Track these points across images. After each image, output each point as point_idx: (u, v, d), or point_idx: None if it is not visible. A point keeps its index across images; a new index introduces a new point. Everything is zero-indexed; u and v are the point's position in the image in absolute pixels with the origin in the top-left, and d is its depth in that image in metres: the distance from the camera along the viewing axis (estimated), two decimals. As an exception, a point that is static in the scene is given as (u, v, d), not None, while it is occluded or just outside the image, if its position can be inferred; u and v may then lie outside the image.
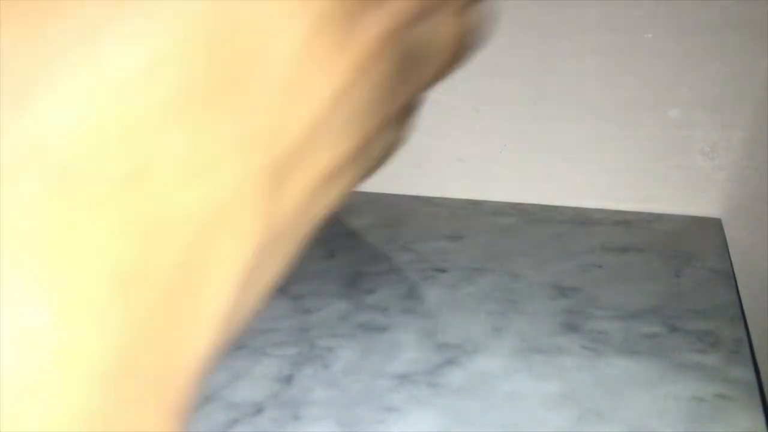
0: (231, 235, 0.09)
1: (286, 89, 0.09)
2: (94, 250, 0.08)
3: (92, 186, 0.08)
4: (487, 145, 0.67)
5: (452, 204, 0.68)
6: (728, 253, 0.51)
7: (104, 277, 0.08)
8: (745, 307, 0.46)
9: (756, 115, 0.56)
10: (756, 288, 0.60)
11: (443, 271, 0.48)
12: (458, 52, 0.15)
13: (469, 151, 0.68)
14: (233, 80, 0.09)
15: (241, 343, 0.38)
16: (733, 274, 0.47)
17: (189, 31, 0.08)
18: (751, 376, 0.33)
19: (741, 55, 0.55)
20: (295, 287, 0.46)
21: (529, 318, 0.40)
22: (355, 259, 0.51)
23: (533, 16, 0.61)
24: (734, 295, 0.43)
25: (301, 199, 0.11)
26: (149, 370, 0.09)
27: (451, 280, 0.46)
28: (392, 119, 0.13)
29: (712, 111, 0.57)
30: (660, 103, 0.59)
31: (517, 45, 0.62)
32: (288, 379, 0.34)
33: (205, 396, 0.32)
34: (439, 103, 0.67)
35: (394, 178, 0.72)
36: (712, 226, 0.57)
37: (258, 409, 0.31)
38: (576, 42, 0.60)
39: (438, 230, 0.58)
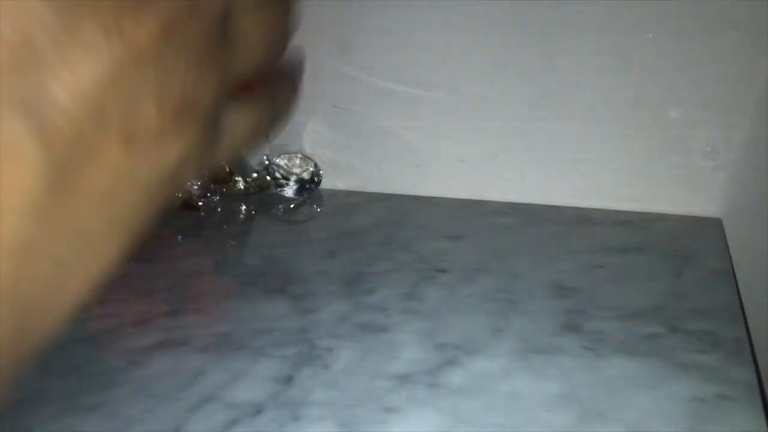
0: (12, 171, 0.11)
1: (46, 67, 0.11)
2: None
3: None
4: (487, 145, 0.67)
5: (452, 204, 0.68)
6: (729, 252, 0.51)
7: None
8: (745, 307, 0.46)
9: (756, 115, 0.56)
10: (756, 288, 0.60)
11: (443, 271, 0.48)
12: (269, 44, 0.17)
13: (469, 151, 0.68)
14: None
15: (241, 344, 0.38)
16: (734, 273, 0.47)
17: None
18: (751, 376, 0.33)
19: (741, 55, 0.55)
20: (295, 287, 0.46)
21: (529, 318, 0.40)
22: (355, 259, 0.51)
23: (534, 16, 0.61)
24: (734, 295, 0.43)
25: (109, 159, 0.12)
26: None
27: (451, 280, 0.46)
28: (224, 90, 0.15)
29: (713, 111, 0.57)
30: (660, 103, 0.59)
31: (517, 45, 0.62)
32: (288, 380, 0.34)
33: (205, 396, 0.32)
34: (439, 103, 0.67)
35: (394, 178, 0.72)
36: (713, 226, 0.57)
37: (258, 410, 0.31)
38: (576, 42, 0.60)
39: (438, 230, 0.58)
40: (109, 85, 0.12)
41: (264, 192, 0.74)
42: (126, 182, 0.13)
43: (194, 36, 0.13)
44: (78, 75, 0.11)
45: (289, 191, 0.72)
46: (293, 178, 0.71)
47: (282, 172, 0.71)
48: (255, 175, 0.73)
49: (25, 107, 0.11)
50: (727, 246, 0.53)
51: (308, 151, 0.75)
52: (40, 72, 0.11)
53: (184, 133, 0.14)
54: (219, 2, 0.14)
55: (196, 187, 0.68)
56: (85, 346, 0.39)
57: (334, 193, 0.74)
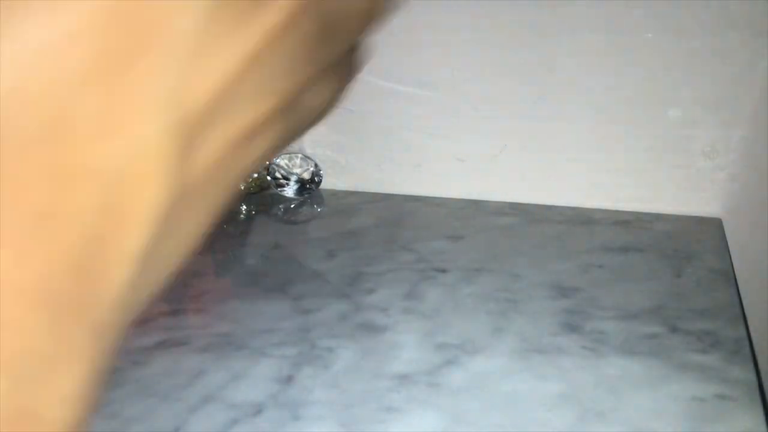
0: (142, 185, 0.11)
1: (191, 57, 0.11)
2: (18, 191, 0.09)
3: (16, 135, 0.09)
4: (487, 145, 0.67)
5: (452, 204, 0.68)
6: (728, 252, 0.51)
7: (27, 215, 0.10)
8: (745, 307, 0.46)
9: (756, 114, 0.56)
10: (756, 288, 0.60)
11: (443, 271, 0.48)
12: (374, 10, 0.16)
13: (469, 151, 0.68)
14: (141, 48, 0.10)
15: (241, 344, 0.38)
16: (734, 273, 0.47)
17: (102, 5, 0.10)
18: (751, 376, 0.33)
19: (741, 55, 0.55)
20: (295, 287, 0.46)
21: (529, 318, 0.40)
22: (355, 259, 0.51)
23: (534, 16, 0.61)
24: (734, 294, 0.43)
25: (219, 154, 0.12)
26: (72, 296, 0.10)
27: (451, 280, 0.46)
28: (320, 74, 0.15)
29: (713, 111, 0.57)
30: (660, 103, 0.59)
31: (517, 45, 0.62)
32: (288, 380, 0.34)
33: (205, 396, 0.32)
34: (439, 103, 0.67)
35: (394, 178, 0.72)
36: (713, 226, 0.57)
37: (258, 410, 0.31)
38: (576, 42, 0.60)
39: (438, 230, 0.58)
40: (237, 81, 0.12)
41: (264, 192, 0.74)
42: (229, 178, 0.13)
43: (305, 30, 0.13)
44: (215, 68, 0.11)
45: (290, 191, 0.72)
46: (293, 178, 0.71)
47: (282, 172, 0.71)
48: (255, 175, 0.73)
49: (165, 108, 0.11)
50: (727, 246, 0.53)
51: (308, 151, 0.75)
52: (180, 68, 0.11)
53: (279, 126, 0.14)
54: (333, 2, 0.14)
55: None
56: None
57: (334, 193, 0.74)
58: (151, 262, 0.12)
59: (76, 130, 0.10)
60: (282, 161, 0.71)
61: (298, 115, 0.15)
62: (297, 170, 0.72)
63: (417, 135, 0.70)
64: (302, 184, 0.71)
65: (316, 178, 0.72)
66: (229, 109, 0.12)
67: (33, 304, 0.10)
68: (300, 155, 0.72)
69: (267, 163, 0.72)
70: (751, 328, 0.42)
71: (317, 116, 0.17)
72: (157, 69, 0.10)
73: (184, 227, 0.13)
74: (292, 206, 0.69)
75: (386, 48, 0.68)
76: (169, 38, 0.10)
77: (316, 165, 0.72)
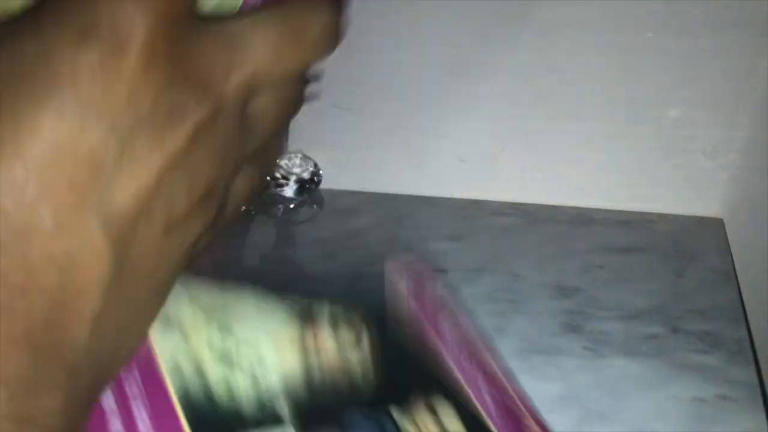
0: (90, 266, 0.15)
1: (112, 174, 0.14)
2: (1, 276, 0.14)
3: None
4: (487, 145, 0.67)
5: (452, 204, 0.67)
6: (730, 253, 0.51)
7: (10, 291, 0.14)
8: (746, 308, 0.46)
9: (757, 114, 0.56)
10: (758, 288, 0.60)
11: (443, 271, 0.48)
12: (282, 117, 0.20)
13: (469, 151, 0.68)
14: (76, 174, 0.14)
15: (241, 344, 0.38)
16: (735, 274, 0.47)
17: (48, 147, 0.13)
18: (752, 376, 0.33)
19: (741, 55, 0.55)
20: (295, 287, 0.46)
21: (530, 318, 0.40)
22: (355, 259, 0.51)
23: (533, 15, 0.61)
24: (736, 295, 0.43)
25: (154, 240, 0.16)
26: (46, 344, 0.14)
27: (451, 280, 0.46)
28: (243, 163, 0.18)
29: (713, 110, 0.57)
30: (660, 103, 0.59)
31: (517, 45, 0.62)
32: (287, 380, 0.34)
33: (204, 397, 0.32)
34: (439, 103, 0.67)
35: (394, 178, 0.72)
36: (714, 226, 0.57)
37: (257, 410, 0.31)
38: (576, 42, 0.60)
39: (438, 230, 0.58)
40: (154, 187, 0.15)
41: (264, 192, 0.74)
42: (164, 260, 0.16)
43: (217, 134, 0.16)
44: (133, 183, 0.14)
45: (289, 191, 0.71)
46: (293, 178, 0.71)
47: (282, 172, 0.71)
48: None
49: (98, 212, 0.14)
50: (729, 246, 0.53)
51: (308, 151, 0.75)
52: (106, 185, 0.14)
53: (205, 212, 0.17)
54: (240, 101, 0.16)
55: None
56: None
57: (334, 193, 0.74)
58: (112, 325, 0.16)
59: (40, 233, 0.14)
60: (281, 161, 0.71)
61: (226, 200, 0.18)
62: (296, 170, 0.71)
63: (417, 135, 0.70)
64: (302, 184, 0.71)
65: (315, 178, 0.72)
66: (155, 206, 0.15)
67: (19, 347, 0.14)
68: (300, 155, 0.72)
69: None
70: (752, 329, 0.42)
71: (239, 204, 0.20)
72: (88, 186, 0.14)
73: (139, 299, 0.16)
74: (292, 206, 0.69)
75: (386, 48, 0.67)
76: (93, 162, 0.14)
77: (315, 165, 0.72)
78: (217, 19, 0.16)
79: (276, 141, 0.21)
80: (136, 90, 0.14)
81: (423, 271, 0.30)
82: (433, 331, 0.26)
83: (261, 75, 0.17)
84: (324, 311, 0.25)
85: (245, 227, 0.64)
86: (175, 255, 0.17)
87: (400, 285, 0.28)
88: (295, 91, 0.20)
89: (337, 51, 0.73)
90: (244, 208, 0.20)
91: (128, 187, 0.14)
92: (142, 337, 0.18)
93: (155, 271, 0.16)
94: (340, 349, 0.24)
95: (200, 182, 0.16)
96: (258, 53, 0.16)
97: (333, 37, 0.19)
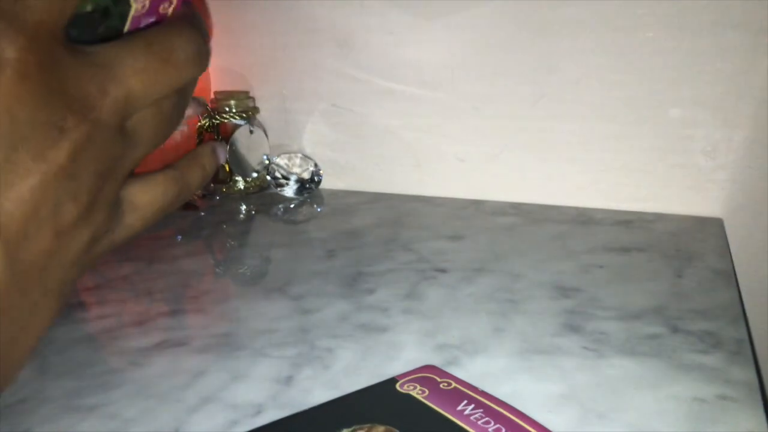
0: None
1: (2, 186, 0.16)
2: None
3: None
4: (487, 145, 0.67)
5: (452, 204, 0.68)
6: (729, 252, 0.51)
7: None
8: (746, 307, 0.46)
9: (757, 114, 0.56)
10: (757, 288, 0.60)
11: (443, 271, 0.48)
12: (166, 130, 0.21)
13: (469, 151, 0.68)
14: None
15: (241, 344, 0.38)
16: (735, 274, 0.47)
17: None
18: (752, 376, 0.33)
19: (741, 55, 0.55)
20: (295, 287, 0.46)
21: (530, 318, 0.40)
22: (355, 259, 0.51)
23: (533, 16, 0.61)
24: (735, 295, 0.43)
25: (46, 245, 0.17)
26: None
27: (451, 280, 0.46)
28: (121, 180, 0.19)
29: (713, 110, 0.57)
30: (660, 103, 0.59)
31: (517, 45, 0.62)
32: (288, 380, 0.34)
33: (205, 396, 0.32)
34: (439, 103, 0.67)
35: (394, 178, 0.72)
36: (714, 226, 0.57)
37: (258, 410, 0.31)
38: (576, 42, 0.60)
39: (438, 230, 0.58)
40: (39, 195, 0.16)
41: (264, 192, 0.74)
42: (56, 262, 0.18)
43: (95, 150, 0.17)
44: (18, 191, 0.16)
45: (289, 191, 0.71)
46: (293, 177, 0.71)
47: (282, 171, 0.71)
48: (255, 175, 0.73)
49: None
50: (728, 246, 0.53)
51: (308, 151, 0.75)
52: None
53: (93, 218, 0.18)
54: (117, 117, 0.18)
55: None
56: (85, 346, 0.39)
57: (334, 193, 0.74)
58: (8, 324, 0.17)
59: None
60: (281, 161, 0.71)
61: (115, 211, 0.20)
62: (297, 170, 0.71)
63: (417, 135, 0.70)
64: (302, 183, 0.71)
65: (315, 178, 0.72)
66: (42, 213, 0.17)
67: None
68: (300, 155, 0.72)
69: (266, 162, 0.72)
70: (752, 329, 0.42)
71: (156, 214, 0.22)
72: None
73: (34, 298, 0.18)
74: (292, 206, 0.69)
75: (386, 48, 0.67)
76: None
77: (315, 165, 0.72)
78: (90, 43, 0.18)
79: (192, 160, 0.23)
80: (12, 105, 0.15)
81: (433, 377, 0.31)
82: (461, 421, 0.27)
83: (135, 95, 0.18)
84: None
85: (245, 227, 0.64)
86: (67, 257, 0.18)
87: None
88: (174, 108, 0.20)
89: (337, 51, 0.74)
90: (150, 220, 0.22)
91: (14, 195, 0.16)
92: (39, 336, 0.19)
93: (48, 271, 0.18)
94: None
95: (83, 192, 0.18)
96: (130, 75, 0.18)
97: (199, 59, 0.20)
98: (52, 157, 0.16)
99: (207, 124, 0.69)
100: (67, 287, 0.19)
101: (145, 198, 0.21)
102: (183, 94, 0.21)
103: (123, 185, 0.20)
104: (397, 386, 0.31)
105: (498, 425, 0.27)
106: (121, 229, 0.20)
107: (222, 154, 0.24)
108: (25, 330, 0.18)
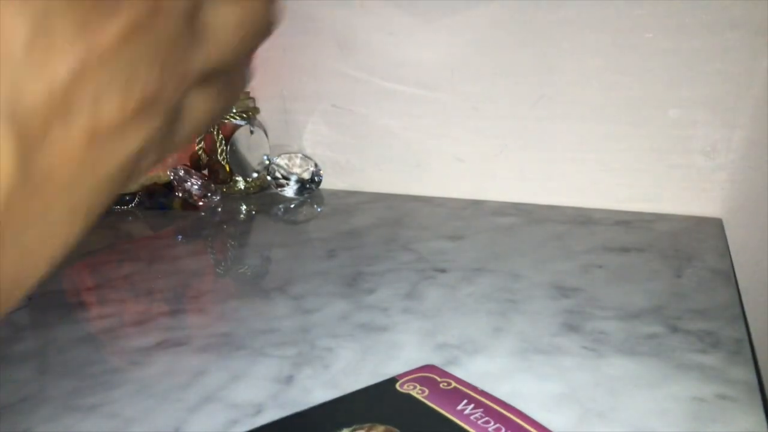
0: None
1: (22, 66, 0.12)
2: None
3: None
4: (487, 145, 0.67)
5: (452, 204, 0.68)
6: (729, 252, 0.51)
7: None
8: (745, 307, 0.46)
9: (756, 114, 0.56)
10: (757, 288, 0.60)
11: (443, 271, 0.48)
12: (240, 38, 0.17)
13: (469, 151, 0.68)
14: None
15: (241, 344, 0.38)
16: (734, 273, 0.47)
17: None
18: (751, 376, 0.33)
19: (741, 55, 0.55)
20: (295, 287, 0.46)
21: (530, 318, 0.40)
22: (355, 259, 0.51)
23: (533, 16, 0.61)
24: (735, 295, 0.43)
25: (74, 150, 0.13)
26: None
27: (451, 280, 0.46)
28: (198, 84, 0.16)
29: (713, 110, 0.57)
30: (660, 103, 0.59)
31: (517, 45, 0.62)
32: (288, 380, 0.34)
33: (205, 396, 0.32)
34: (439, 103, 0.67)
35: (394, 178, 0.72)
36: (713, 226, 0.57)
37: (258, 410, 0.31)
38: (576, 42, 0.60)
39: (438, 230, 0.58)
40: (74, 84, 0.13)
41: (264, 192, 0.74)
42: (87, 174, 0.14)
43: (159, 35, 0.14)
44: (47, 75, 0.12)
45: (290, 191, 0.72)
46: (293, 178, 0.71)
47: (282, 172, 0.71)
48: (255, 175, 0.73)
49: (3, 105, 0.12)
50: (727, 246, 0.53)
51: (308, 151, 0.75)
52: (13, 74, 0.12)
53: (144, 126, 0.14)
54: (185, 1, 0.14)
55: (196, 187, 0.68)
56: (85, 346, 0.39)
57: (334, 193, 0.74)
58: (14, 242, 0.14)
59: None
60: (282, 161, 0.71)
61: (172, 119, 0.16)
62: (297, 170, 0.71)
63: (417, 135, 0.70)
64: (302, 184, 0.71)
65: (316, 178, 0.72)
66: (75, 107, 0.13)
67: None
68: (300, 155, 0.72)
69: (267, 162, 0.72)
70: (751, 328, 0.42)
71: (197, 126, 0.18)
72: None
73: (51, 217, 0.14)
74: (292, 206, 0.69)
75: (386, 48, 0.68)
76: (1, 52, 0.12)
77: (316, 165, 0.72)
78: None
79: (240, 66, 0.19)
80: None
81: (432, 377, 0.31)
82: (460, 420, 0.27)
83: None
84: None
85: (245, 227, 0.64)
86: (100, 170, 0.14)
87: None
88: (261, 8, 0.17)
89: (338, 51, 0.74)
90: (203, 131, 0.18)
91: (41, 79, 0.12)
92: (52, 262, 0.15)
93: (73, 185, 0.14)
94: None
95: (136, 89, 0.14)
96: None
97: None
98: (98, 36, 0.13)
99: (207, 124, 0.69)
100: (97, 207, 0.15)
101: (201, 104, 0.17)
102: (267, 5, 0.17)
103: (186, 93, 0.16)
104: (397, 386, 0.31)
105: (498, 425, 0.27)
106: (177, 135, 0.17)
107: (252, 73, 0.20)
108: (33, 257, 0.15)
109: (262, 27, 0.17)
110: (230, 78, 0.19)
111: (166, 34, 0.14)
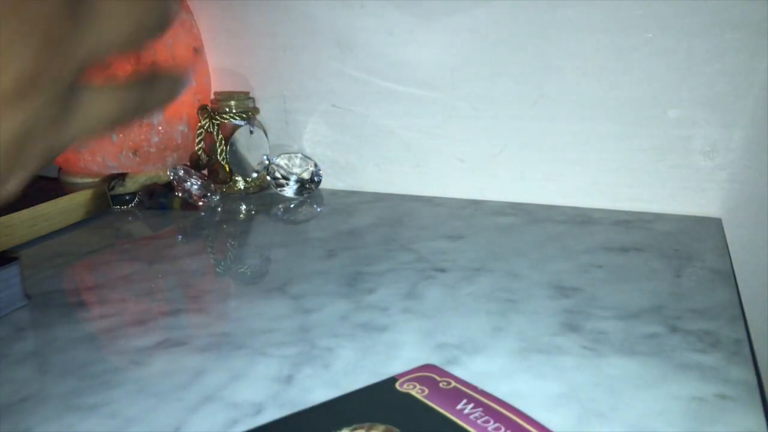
0: None
1: None
2: None
3: None
4: (487, 145, 0.67)
5: (452, 204, 0.68)
6: (728, 252, 0.51)
7: None
8: (745, 307, 0.46)
9: (756, 114, 0.56)
10: (756, 288, 0.60)
11: (443, 271, 0.48)
12: (131, 26, 0.17)
13: (469, 151, 0.68)
14: None
15: (241, 344, 0.38)
16: (734, 273, 0.47)
17: None
18: (751, 376, 0.33)
19: (741, 55, 0.55)
20: (295, 287, 0.46)
21: (529, 318, 0.40)
22: (355, 259, 0.51)
23: (533, 16, 0.61)
24: (734, 294, 0.43)
25: None
26: None
27: (450, 280, 0.46)
28: (74, 71, 0.16)
29: (712, 111, 0.57)
30: (660, 103, 0.59)
31: (517, 45, 0.62)
32: (288, 380, 0.34)
33: (205, 396, 0.32)
34: (439, 103, 0.67)
35: (394, 178, 0.72)
36: (712, 226, 0.57)
37: (258, 410, 0.31)
38: (576, 42, 0.60)
39: (438, 230, 0.58)
40: None
41: (264, 192, 0.74)
42: None
43: (35, 17, 0.14)
44: None
45: (289, 191, 0.72)
46: (293, 178, 0.71)
47: (282, 172, 0.71)
48: (255, 175, 0.73)
49: None
50: (727, 246, 0.53)
51: (308, 151, 0.75)
52: None
53: (26, 105, 0.15)
54: None
55: (196, 187, 0.68)
56: (85, 346, 0.39)
57: (334, 193, 0.74)
58: None
59: None
60: (282, 161, 0.71)
61: (61, 106, 0.16)
62: (297, 170, 0.72)
63: (417, 135, 0.70)
64: (302, 183, 0.71)
65: (315, 178, 0.72)
66: None
67: None
68: (300, 155, 0.72)
69: (267, 162, 0.72)
70: (750, 328, 0.42)
71: (100, 123, 0.18)
72: None
73: None
74: (292, 206, 0.69)
75: (386, 48, 0.68)
76: None
77: (315, 165, 0.72)
78: None
79: (161, 74, 0.20)
80: None
81: (432, 376, 0.31)
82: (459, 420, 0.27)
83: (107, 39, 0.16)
84: None
85: (245, 227, 0.64)
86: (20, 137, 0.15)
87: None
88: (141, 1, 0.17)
89: (338, 51, 0.74)
90: (110, 131, 0.19)
91: None
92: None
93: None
94: None
95: (12, 67, 0.14)
96: (106, 17, 0.16)
97: (173, 19, 0.17)
98: None
99: (207, 124, 0.69)
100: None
101: (101, 104, 0.18)
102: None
103: (79, 79, 0.16)
104: (397, 385, 0.31)
105: (498, 424, 0.27)
106: (66, 132, 0.17)
107: (189, 79, 0.22)
108: None
109: (155, 19, 0.18)
110: (150, 84, 0.19)
111: (42, 17, 0.14)
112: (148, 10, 0.18)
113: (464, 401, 0.29)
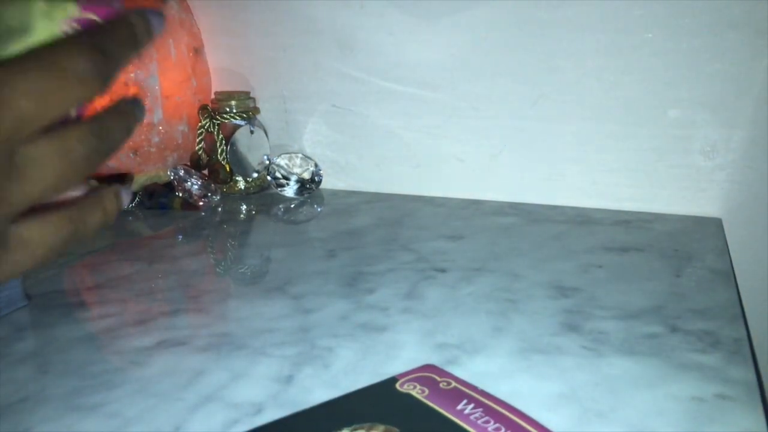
0: None
1: None
2: None
3: None
4: (486, 145, 0.67)
5: (452, 204, 0.68)
6: (728, 252, 0.51)
7: None
8: (745, 307, 0.46)
9: (756, 114, 0.56)
10: (756, 287, 0.60)
11: (443, 271, 0.48)
12: (63, 171, 0.19)
13: (469, 151, 0.68)
14: None
15: (241, 344, 0.38)
16: (733, 273, 0.47)
17: None
18: (751, 376, 0.33)
19: (741, 55, 0.55)
20: (295, 287, 0.46)
21: (529, 318, 0.40)
22: (355, 259, 0.51)
23: (533, 16, 0.61)
24: (734, 294, 0.43)
25: None
26: None
27: (450, 280, 0.46)
28: (6, 215, 0.18)
29: (712, 111, 0.57)
30: (660, 103, 0.59)
31: (517, 45, 0.62)
32: (288, 380, 0.34)
33: (205, 396, 0.32)
34: (439, 103, 0.67)
35: (394, 178, 0.72)
36: (712, 226, 0.57)
37: (258, 410, 0.31)
38: (575, 42, 0.60)
39: (438, 230, 0.58)
40: None
41: (264, 192, 0.74)
42: None
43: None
44: None
45: (290, 191, 0.72)
46: (293, 178, 0.71)
47: (282, 172, 0.71)
48: (255, 175, 0.73)
49: None
50: (727, 246, 0.53)
51: (308, 152, 0.75)
52: None
53: None
54: (5, 142, 0.17)
55: (196, 187, 0.68)
56: (85, 346, 0.39)
57: (334, 193, 0.74)
58: None
59: None
60: (282, 161, 0.71)
61: (10, 245, 0.18)
62: (297, 170, 0.72)
63: (417, 135, 0.70)
64: (302, 184, 0.71)
65: (316, 178, 0.72)
66: None
67: None
68: (300, 155, 0.72)
69: (267, 162, 0.72)
70: (750, 328, 0.42)
71: (40, 255, 0.20)
72: None
73: None
74: (292, 206, 0.69)
75: (386, 48, 0.68)
76: None
77: (316, 165, 0.72)
78: None
79: (93, 200, 0.22)
80: None
81: (432, 376, 0.31)
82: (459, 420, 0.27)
83: (27, 118, 0.17)
84: None
85: (245, 227, 0.64)
86: None
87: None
88: (83, 148, 0.19)
89: (338, 52, 0.73)
90: (51, 259, 0.21)
91: None
92: None
93: None
94: None
95: None
96: (21, 96, 0.17)
97: (99, 78, 0.19)
98: None
99: (207, 124, 0.69)
100: None
101: (36, 235, 0.20)
102: (99, 136, 0.19)
103: (13, 219, 0.19)
104: (397, 385, 0.31)
105: (498, 424, 0.27)
106: (7, 264, 0.19)
107: (126, 199, 0.23)
108: None
109: (87, 162, 0.19)
110: (81, 210, 0.21)
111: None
112: (87, 148, 0.20)
113: (464, 401, 0.29)
